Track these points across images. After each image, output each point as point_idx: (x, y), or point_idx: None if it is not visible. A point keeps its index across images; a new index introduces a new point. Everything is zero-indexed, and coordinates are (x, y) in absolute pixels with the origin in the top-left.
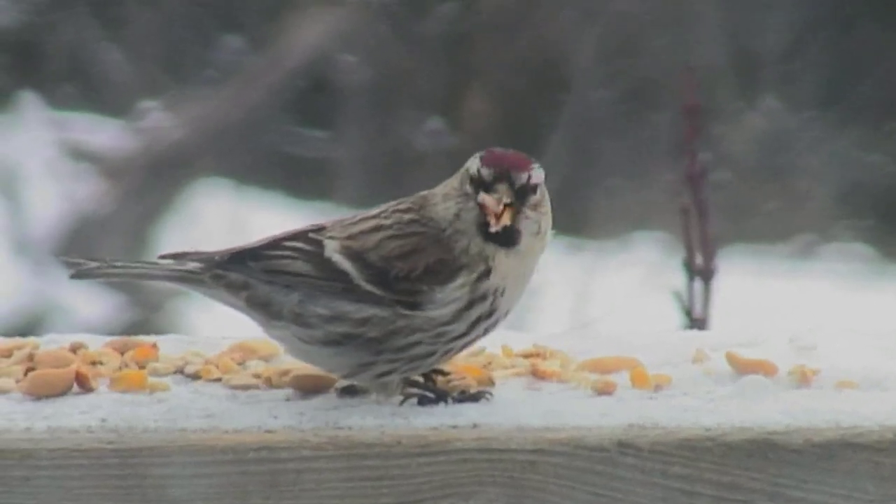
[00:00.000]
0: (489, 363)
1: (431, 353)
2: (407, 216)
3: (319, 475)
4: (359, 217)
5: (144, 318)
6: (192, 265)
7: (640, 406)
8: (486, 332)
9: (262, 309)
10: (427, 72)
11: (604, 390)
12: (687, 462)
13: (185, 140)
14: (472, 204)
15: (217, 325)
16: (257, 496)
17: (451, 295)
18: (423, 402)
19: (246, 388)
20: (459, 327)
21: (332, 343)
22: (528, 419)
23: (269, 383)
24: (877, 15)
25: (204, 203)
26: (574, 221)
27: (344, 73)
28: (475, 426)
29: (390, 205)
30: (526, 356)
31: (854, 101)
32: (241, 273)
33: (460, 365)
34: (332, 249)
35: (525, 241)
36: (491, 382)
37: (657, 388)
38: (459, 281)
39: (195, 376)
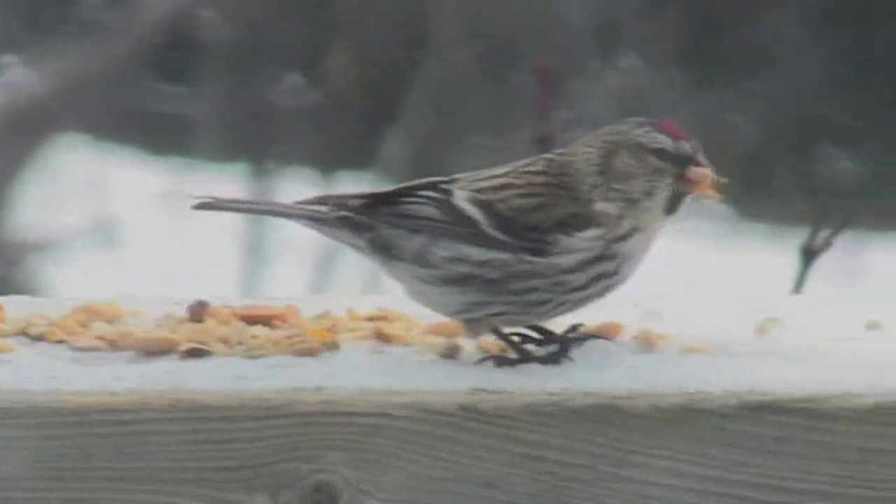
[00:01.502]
0: (334, 326)
1: (547, 301)
2: (539, 179)
3: (163, 438)
4: (486, 174)
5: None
6: (321, 207)
7: (485, 370)
8: (604, 292)
9: (384, 251)
10: (287, 28)
11: (449, 354)
12: (531, 427)
13: (45, 96)
14: (667, 179)
15: (74, 282)
16: (101, 459)
17: (580, 244)
18: (500, 363)
19: (90, 350)
20: (580, 279)
21: (450, 282)
22: (371, 382)
23: (114, 346)
24: None
25: (63, 159)
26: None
27: (204, 28)
28: (319, 389)
29: (518, 165)
30: (371, 319)
31: (714, 61)
32: (368, 216)
33: (306, 327)
34: (460, 198)
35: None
36: (336, 346)
37: (501, 351)
38: (593, 232)
39: (39, 338)
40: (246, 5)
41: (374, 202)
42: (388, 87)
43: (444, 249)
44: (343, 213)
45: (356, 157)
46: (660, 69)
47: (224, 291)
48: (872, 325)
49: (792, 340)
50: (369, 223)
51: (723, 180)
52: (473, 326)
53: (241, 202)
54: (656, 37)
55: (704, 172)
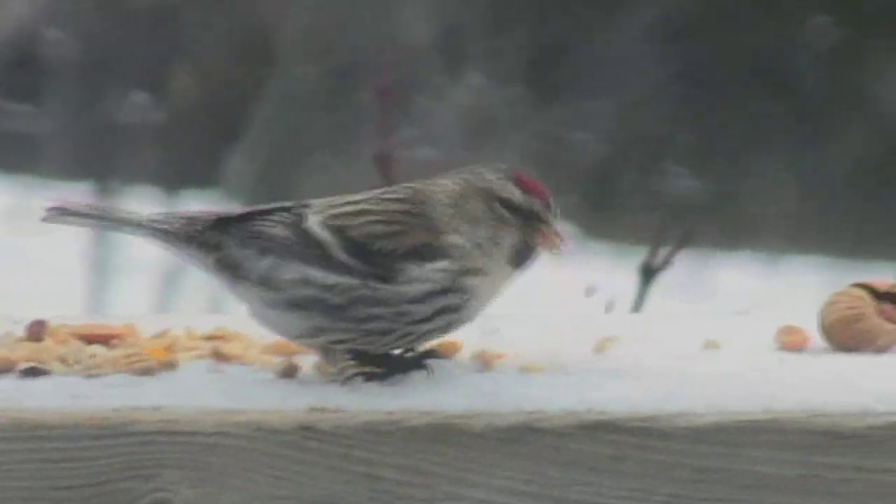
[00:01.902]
0: (173, 345)
1: (389, 332)
2: (397, 206)
3: (2, 457)
4: (342, 200)
5: None
6: (170, 223)
7: (323, 389)
8: (447, 328)
9: (231, 270)
10: (132, 46)
11: (286, 373)
12: (369, 446)
13: None
14: (509, 229)
15: None
16: None
17: (428, 275)
18: (371, 378)
19: None
20: (423, 310)
21: (293, 305)
22: (210, 401)
23: None
24: None
25: None
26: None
27: (49, 46)
28: (157, 408)
29: (377, 192)
30: (209, 338)
31: (558, 79)
32: (217, 235)
33: (144, 346)
34: (312, 222)
35: None
36: (173, 365)
37: (342, 371)
38: (442, 264)
39: None
40: (90, 23)
41: (225, 221)
42: (233, 105)
43: (290, 272)
44: (192, 229)
45: (201, 174)
46: (504, 87)
47: (69, 310)
48: (710, 344)
49: (630, 359)
50: (217, 242)
51: (564, 245)
52: (327, 354)
53: (93, 209)
54: (501, 55)
55: (549, 231)
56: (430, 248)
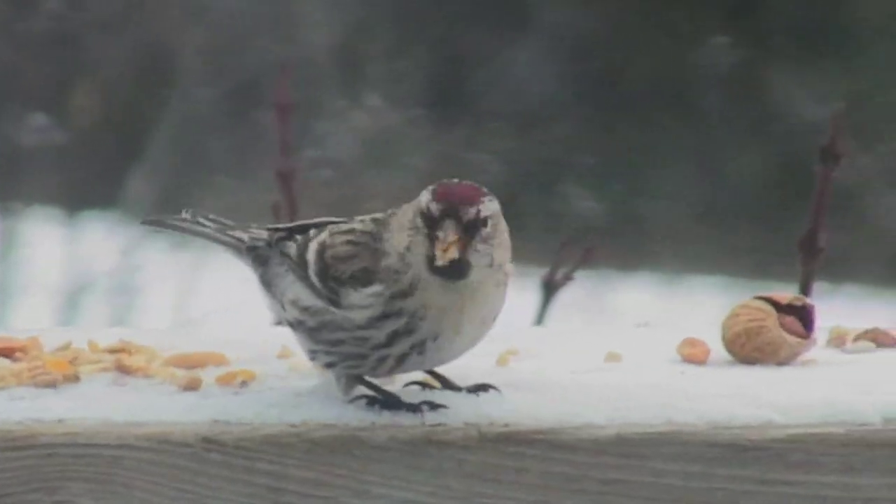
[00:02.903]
0: (76, 358)
1: (363, 356)
2: (369, 227)
3: None
4: (358, 218)
5: None
6: (244, 234)
7: (226, 402)
8: (417, 352)
9: (266, 288)
10: (32, 68)
11: (190, 386)
12: (273, 458)
13: None
14: (420, 237)
15: None
16: None
17: (364, 300)
18: (371, 403)
19: None
20: (377, 335)
21: (291, 326)
22: (113, 414)
23: None
24: (478, 16)
25: None
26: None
27: None
28: (61, 421)
29: (378, 214)
30: (112, 351)
31: (459, 100)
32: (268, 250)
33: (47, 359)
34: (315, 241)
35: (474, 273)
36: (76, 378)
37: (243, 384)
38: (374, 289)
39: None
40: None
41: (285, 235)
42: (132, 125)
43: (291, 292)
44: (254, 243)
45: (101, 195)
46: (403, 109)
47: None
48: (612, 357)
49: (532, 372)
50: (266, 257)
51: (444, 255)
52: (336, 378)
53: (185, 222)
54: (400, 76)
55: (439, 237)
56: (366, 272)
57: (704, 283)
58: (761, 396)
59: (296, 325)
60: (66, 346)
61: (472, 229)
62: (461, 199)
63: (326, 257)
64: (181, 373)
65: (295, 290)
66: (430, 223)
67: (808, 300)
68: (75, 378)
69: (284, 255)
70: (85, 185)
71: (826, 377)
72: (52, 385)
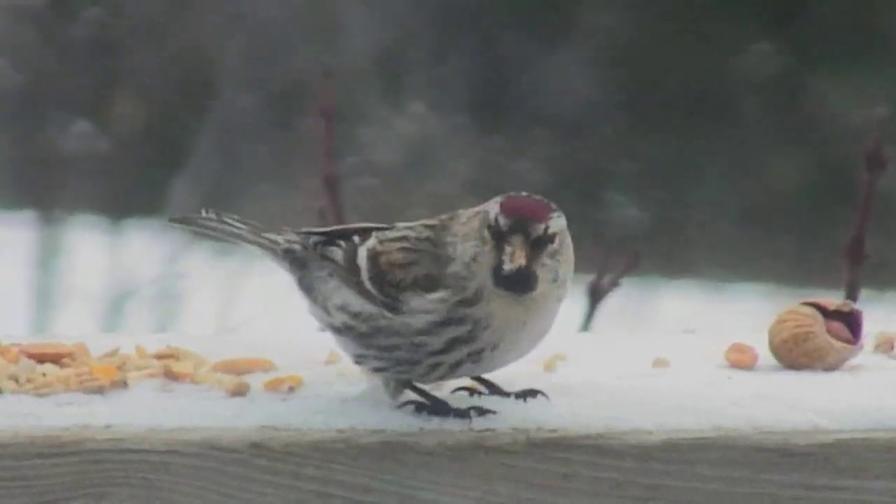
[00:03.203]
0: (123, 364)
1: (416, 362)
2: (425, 233)
3: None
4: (403, 225)
5: None
6: (279, 237)
7: (273, 408)
8: (472, 360)
9: (307, 291)
10: (74, 75)
11: (237, 391)
12: (320, 464)
13: None
14: (487, 249)
15: None
16: None
17: (427, 305)
18: (419, 409)
19: None
20: (436, 342)
21: (337, 331)
22: (161, 420)
23: None
24: (520, 23)
25: None
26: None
27: None
28: (108, 426)
29: (427, 219)
30: (159, 357)
31: (502, 107)
32: (306, 254)
33: (95, 365)
34: (363, 247)
35: (539, 287)
36: (124, 384)
37: (290, 389)
38: (439, 295)
39: None
40: (32, 52)
41: (326, 239)
42: (175, 132)
43: (338, 297)
44: (290, 246)
45: (144, 203)
46: (446, 116)
47: (13, 334)
48: (659, 363)
49: (579, 377)
50: (304, 261)
51: (513, 265)
52: (383, 383)
53: (213, 221)
54: (443, 84)
55: (511, 249)
56: (430, 279)
57: (747, 291)
58: (808, 402)
59: (343, 330)
60: (114, 352)
61: (539, 245)
62: (530, 214)
63: (381, 263)
64: (228, 378)
65: (342, 295)
66: (498, 236)
67: (855, 306)
68: (123, 384)
69: (327, 259)
70: (128, 193)
71: (873, 382)
72: (99, 391)
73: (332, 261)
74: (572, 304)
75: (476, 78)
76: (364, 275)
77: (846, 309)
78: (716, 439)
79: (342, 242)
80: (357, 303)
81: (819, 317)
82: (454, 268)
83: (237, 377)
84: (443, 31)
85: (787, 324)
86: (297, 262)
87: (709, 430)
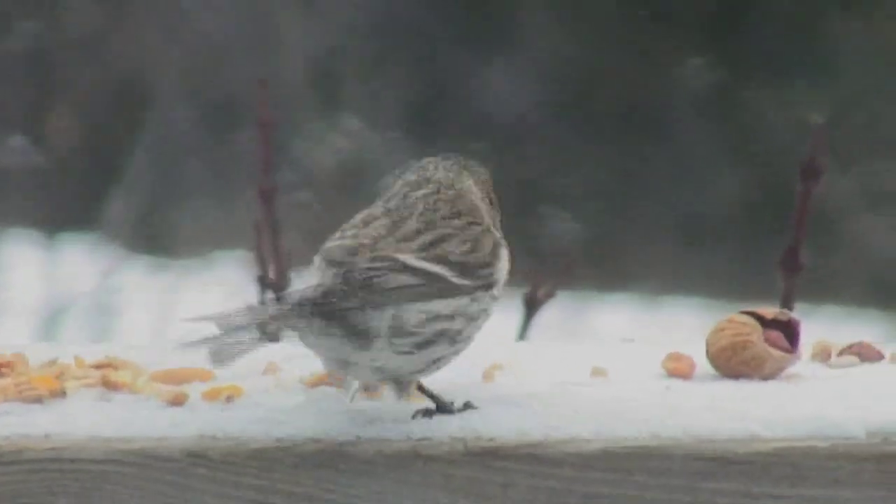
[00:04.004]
0: (62, 373)
1: (469, 341)
2: (462, 220)
3: None
4: (408, 232)
5: None
6: (278, 308)
7: (212, 417)
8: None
9: (361, 335)
10: (8, 89)
11: (175, 401)
12: (259, 473)
13: None
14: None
15: None
16: None
17: (502, 272)
18: (428, 414)
19: None
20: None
21: (424, 344)
22: (99, 429)
23: None
24: (457, 37)
25: None
26: (157, 241)
27: None
28: (47, 436)
29: (405, 209)
30: (98, 367)
31: (434, 122)
32: (334, 303)
33: (34, 375)
34: (412, 260)
35: None
36: (63, 393)
37: (229, 399)
38: (504, 256)
39: None
40: None
41: (337, 289)
42: (111, 146)
43: (415, 313)
44: (310, 306)
45: (80, 218)
46: (381, 131)
47: None
48: (597, 372)
49: (518, 386)
50: (335, 310)
51: None
52: (401, 389)
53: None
54: (377, 98)
55: None
56: (497, 248)
57: (683, 304)
58: (746, 410)
59: (435, 339)
60: (52, 362)
61: None
62: None
63: (455, 258)
64: (167, 388)
65: (425, 309)
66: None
67: (793, 315)
68: (61, 393)
69: (378, 291)
70: (64, 207)
71: (811, 391)
72: (38, 400)
73: (389, 288)
74: (508, 314)
75: (412, 91)
76: (448, 276)
77: (784, 318)
78: (654, 448)
79: (379, 272)
80: (446, 304)
81: (757, 326)
82: (497, 233)
83: (176, 387)
84: (379, 43)
85: (726, 332)
86: (329, 315)
87: (647, 439)
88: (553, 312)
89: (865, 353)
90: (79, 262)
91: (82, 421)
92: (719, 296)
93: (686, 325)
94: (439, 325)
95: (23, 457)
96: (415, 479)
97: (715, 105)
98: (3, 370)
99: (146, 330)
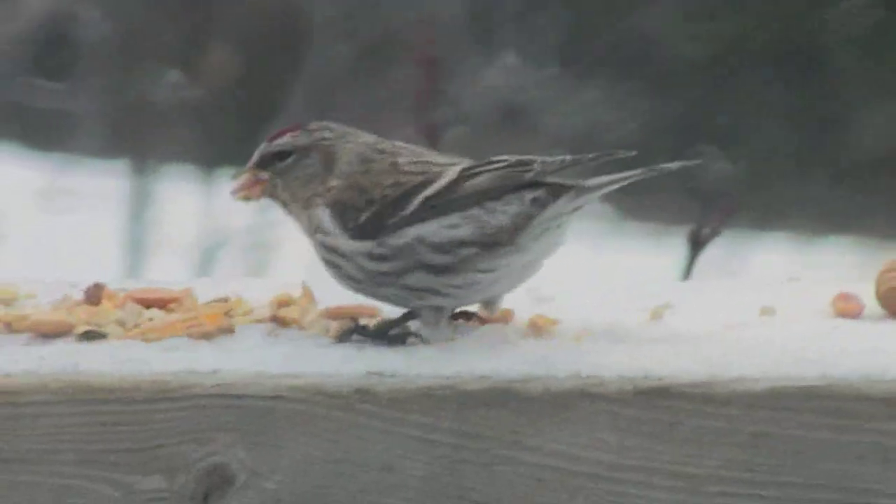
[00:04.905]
0: (230, 309)
1: None
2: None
3: (58, 420)
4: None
5: None
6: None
7: (380, 354)
8: None
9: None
10: (166, 25)
11: (343, 337)
12: (426, 411)
13: None
14: None
15: None
16: None
17: None
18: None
19: None
20: None
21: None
22: (267, 365)
23: (10, 328)
24: None
25: None
26: None
27: (83, 25)
28: (215, 372)
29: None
30: (267, 304)
31: (592, 60)
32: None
33: (202, 311)
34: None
35: None
36: (231, 330)
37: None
38: None
39: None
40: (124, 2)
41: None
42: (269, 83)
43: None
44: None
45: (237, 153)
46: (538, 67)
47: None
48: (766, 311)
49: (685, 326)
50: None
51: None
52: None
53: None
54: (534, 35)
55: None
56: None
57: (839, 243)
58: None
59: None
60: (220, 298)
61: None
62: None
63: None
64: (335, 325)
65: None
66: None
67: None
68: (229, 330)
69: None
70: (220, 143)
71: None
72: (206, 336)
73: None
74: (671, 254)
75: (569, 29)
76: None
77: None
78: (822, 388)
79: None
80: None
81: None
82: None
83: (343, 323)
84: None
85: (895, 273)
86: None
87: (815, 379)
88: (713, 252)
89: None
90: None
91: (250, 357)
92: (875, 234)
93: (845, 263)
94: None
95: (190, 392)
96: (582, 417)
97: (872, 43)
98: (171, 306)
99: (303, 265)
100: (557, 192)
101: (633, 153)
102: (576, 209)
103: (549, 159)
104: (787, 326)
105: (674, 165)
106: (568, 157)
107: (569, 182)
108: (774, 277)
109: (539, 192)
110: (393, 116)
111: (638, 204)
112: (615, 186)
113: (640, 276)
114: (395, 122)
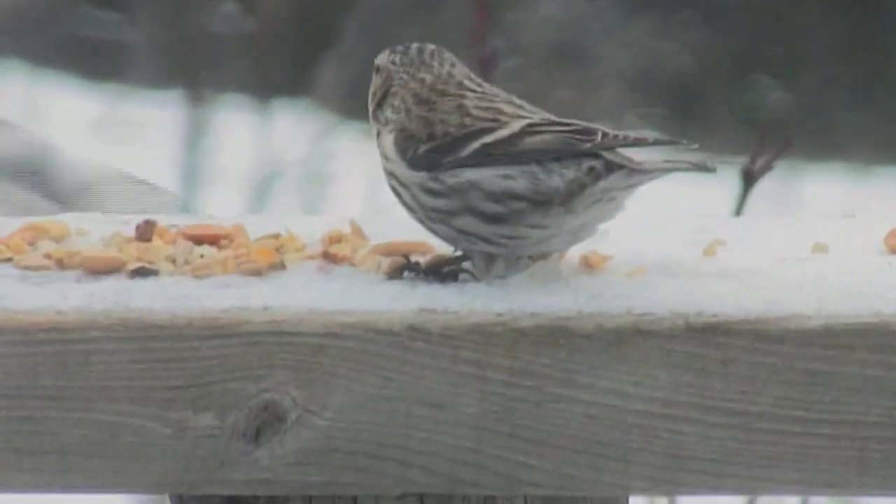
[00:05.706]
0: (282, 246)
1: None
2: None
3: (109, 357)
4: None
5: None
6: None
7: (432, 290)
8: None
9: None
10: None
11: (395, 274)
12: (477, 347)
13: None
14: None
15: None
16: (47, 377)
17: None
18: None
19: (37, 268)
20: None
21: None
22: (319, 302)
23: (61, 264)
24: None
25: None
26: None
27: None
28: (266, 308)
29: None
30: (318, 240)
31: None
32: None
33: (253, 247)
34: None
35: None
36: (282, 266)
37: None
38: None
39: None
40: None
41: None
42: (324, 14)
43: None
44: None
45: (292, 84)
46: None
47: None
48: (819, 248)
49: (739, 262)
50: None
51: None
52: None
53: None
54: None
55: None
56: None
57: (894, 175)
58: None
59: None
60: (272, 235)
61: None
62: None
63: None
64: (387, 261)
65: None
66: None
67: None
68: (281, 266)
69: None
70: (275, 74)
71: None
72: (257, 273)
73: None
74: (724, 188)
75: None
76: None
77: None
78: (876, 325)
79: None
80: None
81: None
82: None
83: (396, 260)
84: None
85: None
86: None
87: (869, 316)
88: (766, 184)
89: None
90: (291, 129)
91: (301, 294)
92: None
93: None
94: None
95: (241, 329)
96: (634, 354)
97: None
98: (223, 242)
99: (359, 198)
100: (612, 167)
101: (696, 146)
102: (628, 187)
103: (611, 132)
104: (840, 263)
105: (711, 167)
106: (631, 135)
107: (623, 161)
108: (829, 212)
109: (596, 163)
110: (448, 48)
111: (691, 134)
112: (667, 174)
113: (694, 209)
114: (453, 53)
